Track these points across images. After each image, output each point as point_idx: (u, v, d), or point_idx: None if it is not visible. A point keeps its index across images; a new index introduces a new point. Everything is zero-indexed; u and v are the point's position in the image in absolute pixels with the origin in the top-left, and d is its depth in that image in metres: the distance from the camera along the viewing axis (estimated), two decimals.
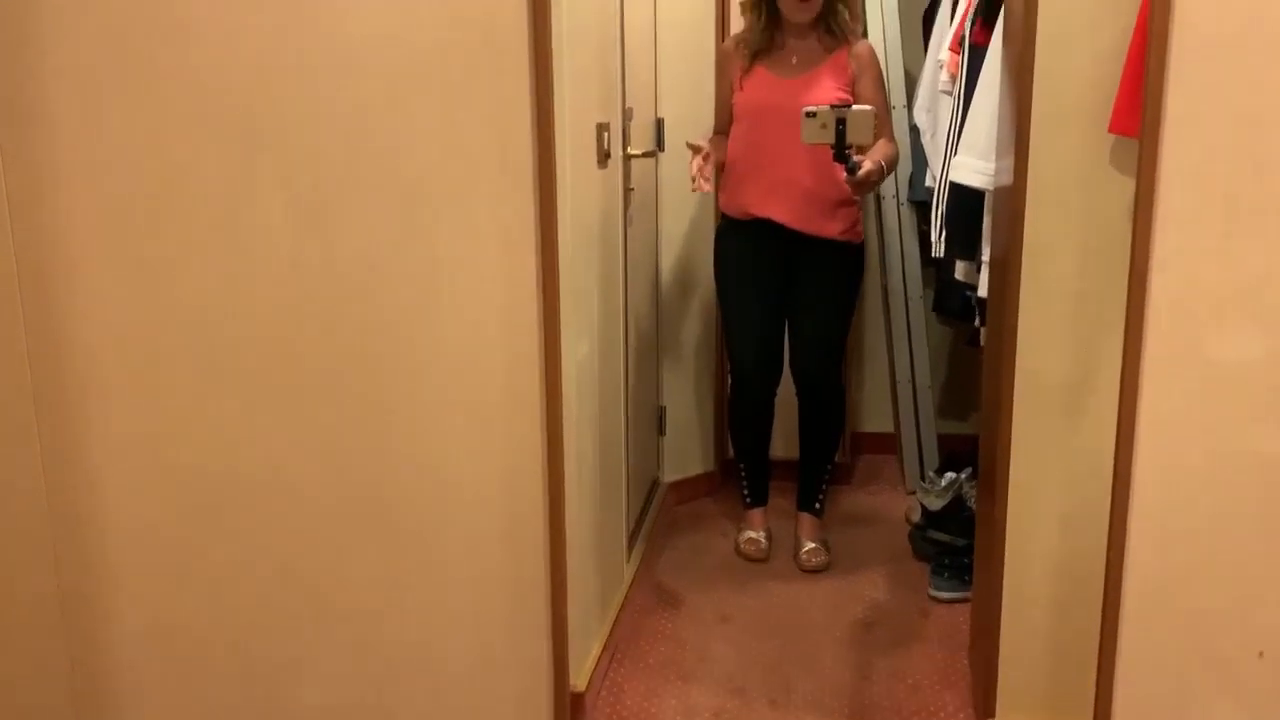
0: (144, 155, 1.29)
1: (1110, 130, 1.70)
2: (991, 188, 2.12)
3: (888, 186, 3.28)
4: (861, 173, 2.37)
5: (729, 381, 3.02)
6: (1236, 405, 1.23)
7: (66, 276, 1.31)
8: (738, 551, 2.94)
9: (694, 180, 2.56)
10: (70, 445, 1.34)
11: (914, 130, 3.06)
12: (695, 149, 2.58)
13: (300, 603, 1.57)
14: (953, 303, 2.82)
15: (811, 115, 2.31)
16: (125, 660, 1.50)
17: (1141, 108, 1.45)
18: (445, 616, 1.65)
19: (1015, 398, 1.85)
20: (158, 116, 1.28)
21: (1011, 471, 1.88)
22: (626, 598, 2.54)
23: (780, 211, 2.67)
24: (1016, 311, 1.84)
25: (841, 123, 2.29)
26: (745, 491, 3.04)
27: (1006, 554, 1.89)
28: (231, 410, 1.43)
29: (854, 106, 2.33)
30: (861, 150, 2.43)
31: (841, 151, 2.32)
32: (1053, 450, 1.84)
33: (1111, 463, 1.44)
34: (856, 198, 2.73)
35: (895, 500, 3.35)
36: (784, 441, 3.15)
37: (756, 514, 3.01)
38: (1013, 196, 1.82)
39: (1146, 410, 1.25)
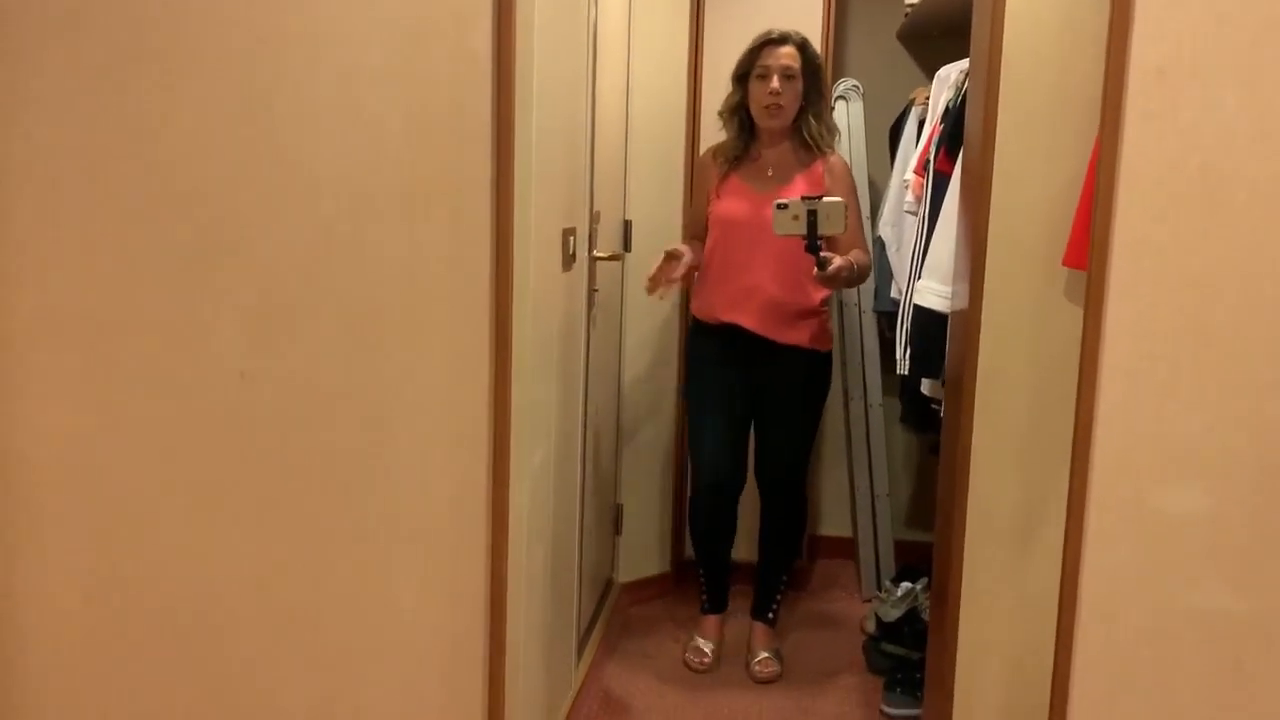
0: (99, 258, 1.27)
1: (1064, 264, 1.73)
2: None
3: (850, 294, 3.32)
4: (831, 268, 2.38)
5: (690, 485, 2.99)
6: (1179, 561, 1.23)
7: (8, 376, 1.28)
8: (684, 660, 2.88)
9: (654, 281, 2.58)
10: (1, 553, 1.30)
11: (879, 243, 3.11)
12: (672, 255, 2.60)
13: None
14: (918, 415, 2.84)
15: (783, 207, 2.32)
16: None
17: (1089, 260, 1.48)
18: None
19: (968, 523, 1.85)
20: (117, 220, 1.26)
21: (963, 596, 1.87)
22: (574, 704, 2.48)
23: (749, 318, 2.69)
24: (970, 435, 1.85)
25: (813, 214, 2.30)
26: (704, 596, 2.97)
27: (956, 679, 1.87)
28: (167, 522, 1.39)
29: (825, 198, 2.33)
30: (831, 246, 2.45)
31: (813, 242, 2.33)
32: (1005, 576, 1.84)
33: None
34: (825, 307, 2.76)
35: (851, 608, 3.32)
36: (747, 545, 3.13)
37: (712, 621, 2.96)
38: (967, 321, 1.84)
39: (1090, 561, 1.25)
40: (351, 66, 1.33)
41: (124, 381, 1.36)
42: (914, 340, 2.46)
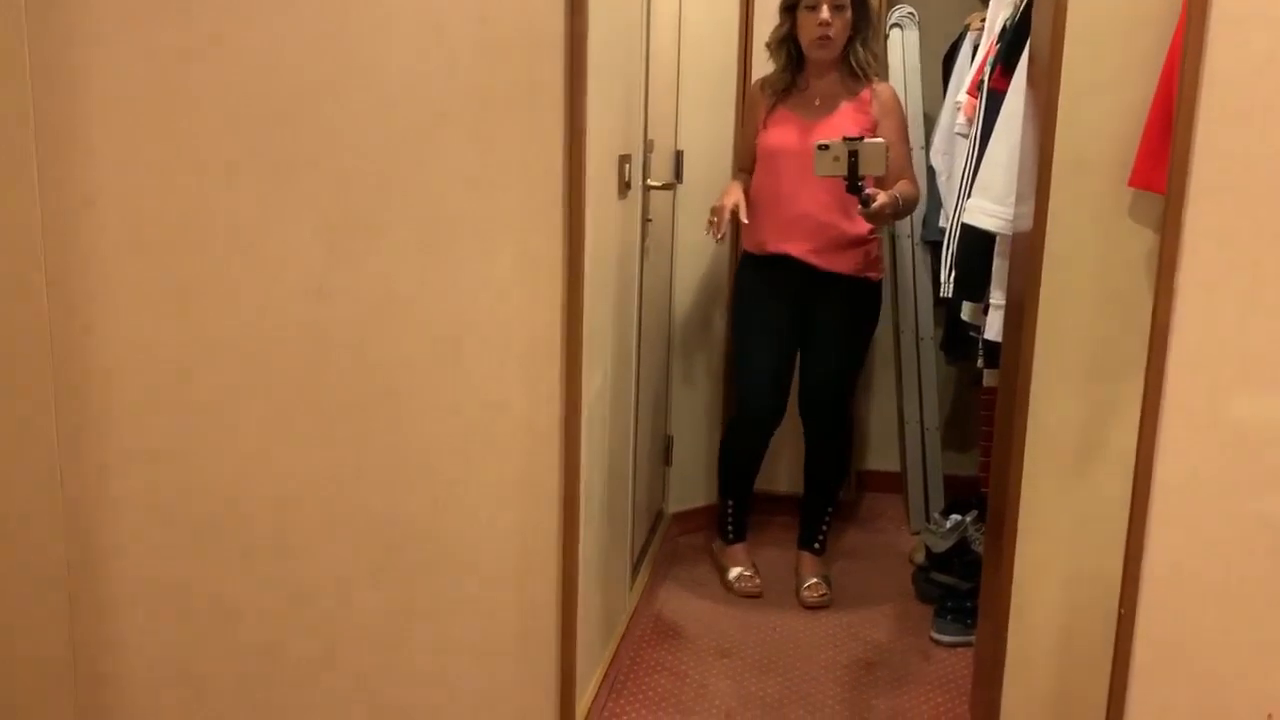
0: (178, 177, 1.30)
1: (1130, 184, 1.71)
2: (1003, 231, 2.12)
3: (902, 226, 3.29)
4: (875, 205, 2.40)
5: (731, 411, 2.99)
6: (1252, 470, 1.23)
7: (95, 293, 1.32)
8: (731, 590, 2.91)
9: (713, 222, 2.63)
10: (87, 464, 1.34)
11: (930, 172, 3.07)
12: (731, 210, 2.63)
13: (311, 630, 1.57)
14: (962, 343, 2.82)
15: (824, 148, 2.35)
16: (133, 682, 1.49)
17: (1163, 163, 1.46)
18: (455, 648, 1.65)
19: (1027, 446, 1.85)
20: (194, 140, 1.29)
21: (1020, 521, 1.87)
22: (627, 628, 2.53)
23: (797, 247, 2.69)
24: (1031, 358, 1.84)
25: (854, 155, 2.34)
26: (730, 527, 2.98)
27: (1012, 604, 1.88)
28: (249, 434, 1.43)
29: (866, 139, 2.37)
30: (879, 182, 2.45)
31: (854, 183, 2.36)
32: (1063, 501, 1.84)
33: (1123, 516, 1.44)
34: (876, 235, 2.75)
35: (899, 539, 3.34)
36: (790, 477, 3.14)
37: (740, 550, 2.98)
38: (1031, 242, 1.82)
39: (1162, 470, 1.24)
40: None
41: (206, 297, 1.40)
42: (959, 262, 2.45)
